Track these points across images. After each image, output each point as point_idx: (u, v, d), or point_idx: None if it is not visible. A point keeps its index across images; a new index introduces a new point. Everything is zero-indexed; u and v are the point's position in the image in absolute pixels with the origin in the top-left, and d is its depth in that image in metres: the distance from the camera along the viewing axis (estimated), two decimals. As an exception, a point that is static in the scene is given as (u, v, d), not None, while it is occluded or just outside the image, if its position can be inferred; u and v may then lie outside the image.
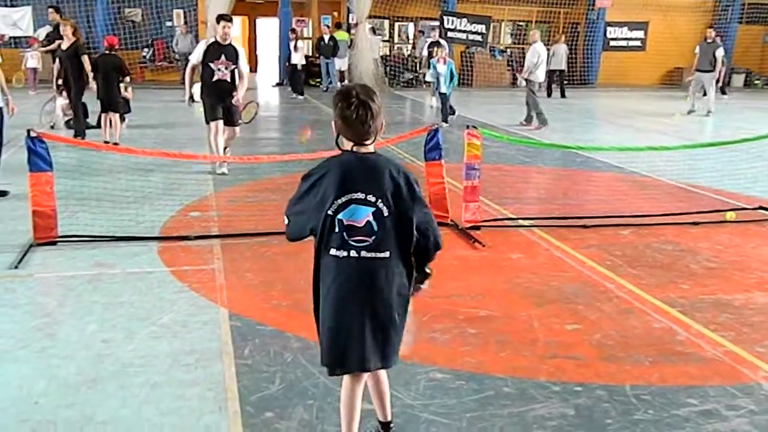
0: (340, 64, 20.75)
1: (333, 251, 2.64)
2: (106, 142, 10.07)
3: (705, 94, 16.67)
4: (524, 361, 3.95)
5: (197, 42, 20.72)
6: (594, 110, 18.66)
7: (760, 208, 7.45)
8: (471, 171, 6.43)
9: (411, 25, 25.80)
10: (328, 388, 3.50)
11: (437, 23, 20.82)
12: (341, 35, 20.75)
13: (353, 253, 2.62)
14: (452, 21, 20.94)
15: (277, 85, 21.43)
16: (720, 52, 16.30)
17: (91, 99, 10.74)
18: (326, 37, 20.14)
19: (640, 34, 23.85)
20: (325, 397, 3.43)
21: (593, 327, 4.43)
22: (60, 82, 10.84)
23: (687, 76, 17.32)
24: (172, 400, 3.40)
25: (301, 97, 18.32)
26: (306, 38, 24.77)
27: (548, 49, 21.47)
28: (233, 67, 8.30)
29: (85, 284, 4.92)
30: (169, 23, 21.83)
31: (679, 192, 8.40)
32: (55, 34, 12.86)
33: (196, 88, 8.97)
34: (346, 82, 20.92)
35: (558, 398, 3.52)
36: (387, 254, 2.64)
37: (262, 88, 21.47)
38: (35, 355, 3.84)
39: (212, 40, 8.36)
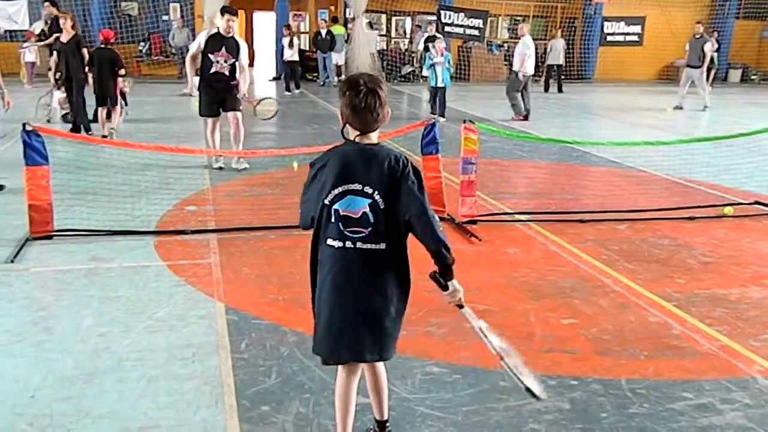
0: (337, 58, 20.71)
1: (329, 241, 2.65)
2: (104, 137, 10.07)
3: (703, 88, 16.67)
4: (520, 355, 3.93)
5: (194, 36, 20.82)
6: (591, 105, 18.65)
7: (756, 203, 7.47)
8: (468, 165, 6.43)
9: (408, 20, 25.75)
10: (324, 382, 3.50)
11: (434, 18, 20.79)
12: (338, 29, 20.71)
13: (349, 244, 2.62)
14: (449, 15, 20.91)
15: (274, 79, 21.38)
16: (708, 47, 16.29)
17: (86, 93, 10.73)
18: (323, 32, 20.10)
19: (637, 29, 23.84)
20: (322, 391, 3.43)
21: (589, 321, 4.44)
22: (58, 75, 10.80)
23: (681, 71, 17.36)
24: (169, 394, 3.41)
25: (297, 91, 18.18)
26: (303, 32, 24.74)
27: (546, 44, 21.57)
28: (233, 60, 8.17)
29: (82, 278, 4.92)
30: (165, 17, 21.75)
31: (675, 187, 8.41)
32: (50, 28, 12.83)
33: (195, 82, 8.90)
34: (343, 76, 20.89)
35: (554, 392, 3.53)
36: (383, 246, 2.63)
37: (259, 82, 21.43)
38: (31, 349, 3.84)
39: (215, 30, 8.23)
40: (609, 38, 24.05)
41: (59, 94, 11.29)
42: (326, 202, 2.63)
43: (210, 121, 8.49)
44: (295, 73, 18.62)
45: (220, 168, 8.56)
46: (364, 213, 2.61)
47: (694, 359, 3.97)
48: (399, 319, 2.75)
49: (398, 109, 16.27)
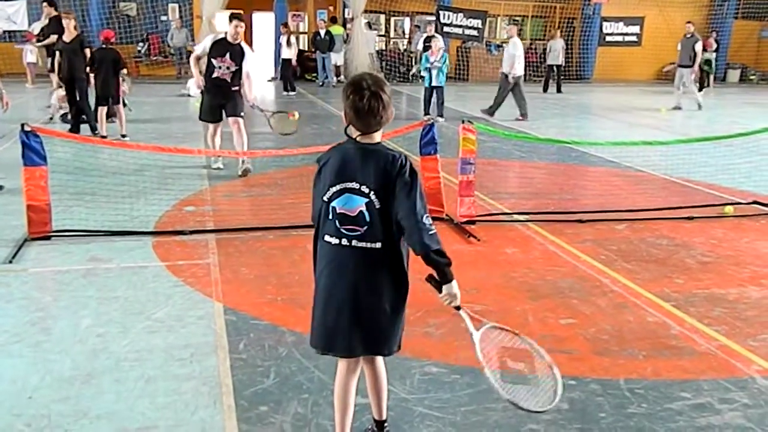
0: (336, 58, 20.70)
1: (327, 237, 2.71)
2: (103, 137, 10.09)
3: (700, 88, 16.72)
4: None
5: (192, 36, 20.86)
6: (589, 105, 18.66)
7: (755, 202, 7.47)
8: (466, 166, 6.43)
9: (407, 20, 25.74)
10: (322, 382, 3.50)
11: (433, 18, 20.79)
12: (337, 30, 20.71)
13: (345, 242, 2.66)
14: (448, 16, 20.91)
15: (272, 80, 21.37)
16: (699, 46, 16.29)
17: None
18: (322, 32, 20.09)
19: (635, 29, 23.84)
20: (320, 391, 3.43)
21: (588, 321, 4.44)
22: (62, 75, 10.76)
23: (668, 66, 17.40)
24: (167, 394, 3.40)
25: (293, 93, 18.17)
26: (302, 33, 24.73)
27: (545, 45, 21.57)
28: (235, 68, 8.07)
29: (80, 279, 4.91)
30: (164, 17, 21.75)
31: (673, 187, 8.41)
32: (49, 28, 12.82)
33: (192, 83, 8.88)
34: (342, 77, 20.89)
35: (552, 392, 3.53)
36: (379, 245, 2.65)
37: (257, 83, 21.40)
38: (29, 350, 3.84)
39: (222, 35, 8.16)
40: (608, 38, 24.05)
41: (61, 92, 11.28)
42: (325, 199, 2.68)
43: (211, 125, 8.45)
44: (290, 72, 18.56)
45: (219, 168, 8.55)
46: (361, 212, 2.64)
47: (693, 359, 3.97)
48: (397, 316, 2.75)
49: (397, 109, 16.25)
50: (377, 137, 2.72)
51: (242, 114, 8.33)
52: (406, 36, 25.60)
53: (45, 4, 13.15)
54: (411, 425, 3.21)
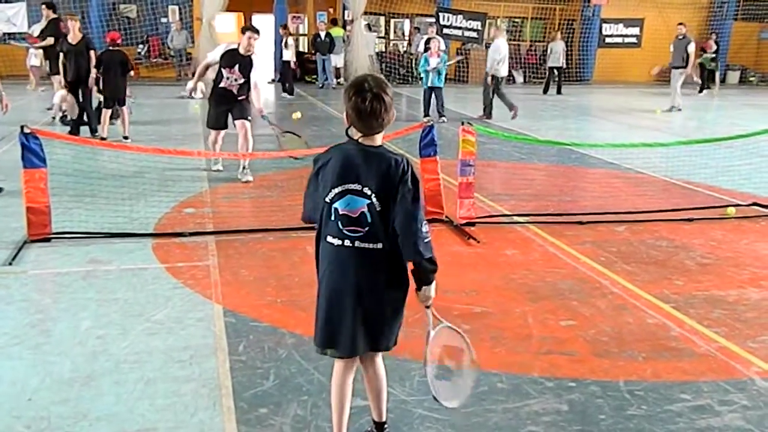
0: (336, 60, 20.70)
1: (329, 238, 2.72)
2: (103, 138, 10.11)
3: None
4: (518, 357, 3.96)
5: (192, 38, 20.89)
6: (589, 107, 18.68)
7: (755, 204, 7.48)
8: (466, 167, 6.43)
9: (407, 22, 25.76)
10: (322, 384, 3.50)
11: (433, 20, 20.80)
12: (337, 32, 20.71)
13: (347, 243, 2.69)
14: (448, 17, 20.90)
15: (272, 82, 21.39)
16: (691, 47, 16.28)
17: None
18: (322, 34, 20.10)
19: (635, 30, 23.83)
20: (320, 393, 3.43)
21: (587, 323, 4.44)
22: (70, 77, 10.74)
23: (654, 69, 17.36)
24: (167, 396, 3.40)
25: (290, 96, 18.15)
26: (302, 35, 24.75)
27: (545, 47, 21.57)
28: (242, 81, 7.97)
29: (80, 281, 4.91)
30: (164, 19, 21.78)
31: (673, 188, 8.42)
32: (47, 31, 12.82)
33: (199, 86, 8.79)
34: (342, 79, 20.90)
35: (552, 394, 3.53)
36: (380, 246, 2.68)
37: (264, 90, 21.41)
38: (29, 352, 3.84)
39: (234, 45, 8.03)
40: (607, 40, 24.04)
41: (63, 93, 11.28)
42: (327, 200, 2.70)
43: (213, 132, 8.43)
44: (288, 74, 18.54)
45: (219, 170, 8.55)
46: (362, 213, 2.66)
47: (692, 361, 3.97)
48: (397, 313, 2.80)
49: (397, 110, 16.23)
50: (379, 139, 2.73)
51: (250, 118, 8.24)
52: (406, 38, 25.63)
53: (44, 6, 13.16)
54: (410, 427, 3.21)
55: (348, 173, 2.67)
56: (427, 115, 13.36)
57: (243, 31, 8.15)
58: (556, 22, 25.36)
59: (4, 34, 18.11)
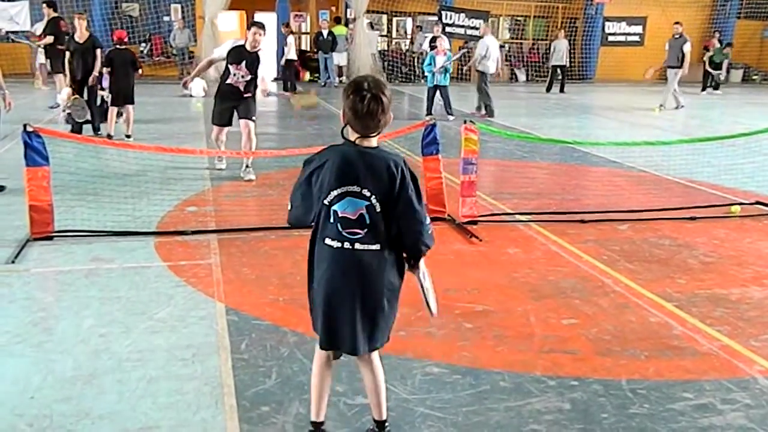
0: (338, 59, 20.69)
1: (328, 240, 2.73)
2: (110, 136, 10.13)
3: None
4: (521, 356, 3.95)
5: (194, 37, 20.89)
6: (592, 105, 18.64)
7: (757, 203, 7.46)
8: (468, 166, 6.43)
9: (409, 20, 25.75)
10: (324, 382, 3.50)
11: (436, 18, 20.80)
12: (340, 30, 20.70)
13: (347, 245, 2.69)
14: (450, 16, 20.93)
15: (274, 80, 21.39)
16: (687, 47, 16.21)
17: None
18: (325, 32, 20.09)
19: (638, 29, 23.84)
20: (322, 392, 3.43)
21: (590, 321, 4.43)
22: (80, 76, 10.74)
23: (647, 71, 17.31)
24: (169, 394, 3.41)
25: (288, 93, 18.12)
26: (304, 33, 24.74)
27: (548, 45, 21.55)
28: (249, 77, 7.94)
29: (82, 279, 4.92)
30: (166, 18, 21.78)
31: (676, 187, 8.40)
32: (47, 29, 12.85)
33: (197, 83, 8.78)
34: (344, 77, 20.89)
35: (554, 392, 3.53)
36: (378, 247, 2.70)
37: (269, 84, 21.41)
38: (32, 350, 3.84)
39: (241, 42, 8.01)
40: (610, 38, 24.06)
41: (68, 91, 11.28)
42: (326, 202, 2.69)
43: (216, 128, 8.42)
44: (292, 73, 18.52)
45: (221, 169, 8.54)
46: (361, 215, 2.67)
47: (695, 359, 3.97)
48: (392, 311, 2.84)
49: (399, 109, 16.27)
50: (375, 141, 2.73)
51: (254, 118, 8.22)
52: (409, 36, 25.61)
53: (45, 5, 13.18)
54: (412, 426, 3.21)
55: (346, 175, 2.66)
56: (429, 113, 13.36)
57: (249, 27, 8.13)
58: (559, 21, 25.32)
59: (7, 32, 18.13)
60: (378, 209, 2.67)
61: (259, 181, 8.14)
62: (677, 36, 16.39)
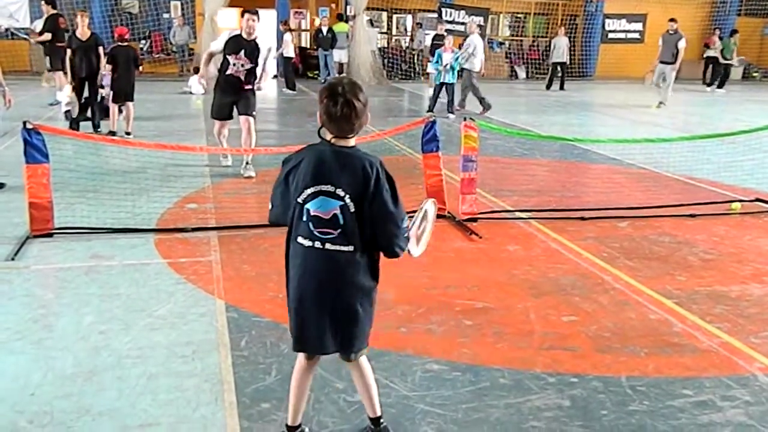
0: (338, 56, 20.68)
1: (300, 239, 2.72)
2: (113, 132, 10.13)
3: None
4: (520, 353, 3.96)
5: (194, 34, 20.87)
6: (592, 103, 18.64)
7: (757, 200, 7.46)
8: (468, 163, 6.42)
9: (409, 17, 25.74)
10: (324, 379, 3.51)
11: (436, 15, 20.79)
12: (340, 27, 20.68)
13: (318, 244, 2.68)
14: (450, 13, 20.91)
15: (274, 77, 21.37)
16: (682, 44, 16.18)
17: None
18: (324, 29, 20.07)
19: (638, 26, 23.83)
20: (321, 389, 3.43)
21: (589, 318, 4.43)
22: (83, 74, 10.72)
23: (647, 75, 17.28)
24: (169, 391, 3.41)
25: (293, 91, 18.11)
26: (304, 30, 24.72)
27: (548, 42, 21.53)
28: (250, 66, 7.89)
29: (82, 276, 4.92)
30: (166, 15, 21.75)
31: (676, 184, 8.40)
32: (47, 26, 12.82)
33: (193, 80, 8.80)
34: (344, 74, 20.88)
35: (554, 389, 3.53)
36: (351, 248, 2.68)
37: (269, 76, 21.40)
38: (31, 347, 3.84)
39: (238, 32, 7.95)
40: (610, 35, 24.05)
41: (68, 89, 11.28)
42: (299, 200, 2.68)
43: (217, 122, 8.39)
44: (291, 70, 18.49)
45: (227, 165, 8.54)
46: (335, 215, 2.65)
47: (695, 356, 3.97)
48: (367, 317, 2.80)
49: (399, 106, 16.27)
50: (353, 141, 2.73)
51: (254, 114, 8.20)
52: (409, 33, 25.59)
53: (43, 2, 13.15)
54: (412, 422, 3.21)
55: (321, 174, 2.65)
56: (430, 110, 13.35)
57: (242, 14, 8.09)
58: (559, 18, 25.30)
59: (7, 29, 18.12)
60: (352, 209, 2.64)
61: (260, 178, 8.13)
62: (672, 32, 16.34)
